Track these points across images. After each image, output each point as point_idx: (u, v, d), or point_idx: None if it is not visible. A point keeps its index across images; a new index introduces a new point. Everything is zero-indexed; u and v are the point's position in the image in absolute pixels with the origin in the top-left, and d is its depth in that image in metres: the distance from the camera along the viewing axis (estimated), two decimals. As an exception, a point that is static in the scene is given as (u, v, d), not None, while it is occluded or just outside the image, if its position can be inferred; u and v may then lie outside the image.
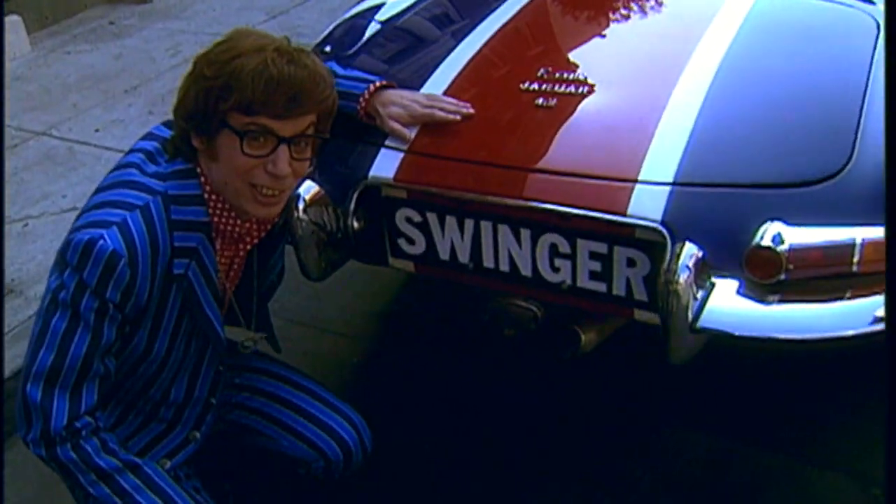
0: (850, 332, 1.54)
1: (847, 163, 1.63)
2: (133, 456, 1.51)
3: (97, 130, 4.10)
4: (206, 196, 1.49)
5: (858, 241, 1.55)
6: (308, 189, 1.84)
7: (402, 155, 1.84)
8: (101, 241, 1.36)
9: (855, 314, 1.56)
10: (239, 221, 1.54)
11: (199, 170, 1.49)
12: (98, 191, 1.48)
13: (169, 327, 1.53)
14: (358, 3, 2.64)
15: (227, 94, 1.37)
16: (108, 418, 1.59)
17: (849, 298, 1.57)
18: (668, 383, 2.42)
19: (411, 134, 1.86)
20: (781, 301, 1.58)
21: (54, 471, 1.48)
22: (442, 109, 1.86)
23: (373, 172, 1.85)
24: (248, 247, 1.65)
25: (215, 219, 1.51)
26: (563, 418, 2.37)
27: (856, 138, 1.67)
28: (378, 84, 1.87)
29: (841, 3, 2.13)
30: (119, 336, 1.44)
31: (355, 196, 1.86)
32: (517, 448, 2.29)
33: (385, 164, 1.85)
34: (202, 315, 1.55)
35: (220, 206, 1.51)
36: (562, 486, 2.18)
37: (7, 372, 2.59)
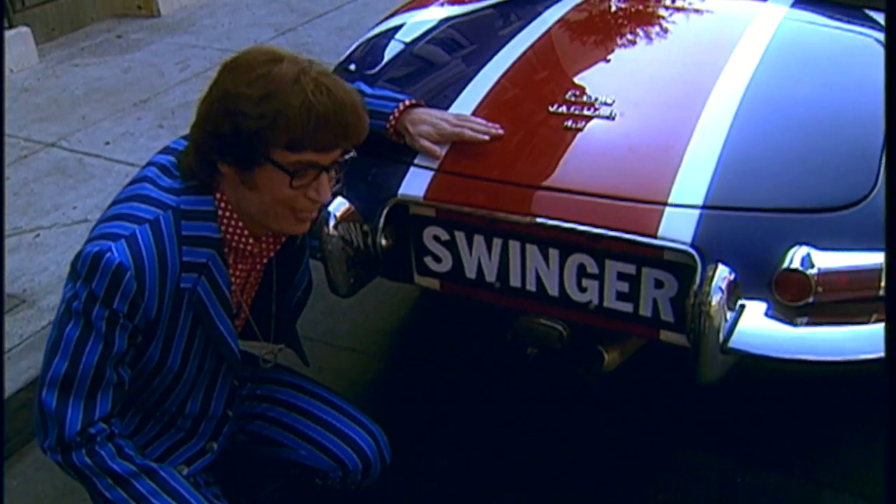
0: (876, 356, 1.57)
1: (873, 188, 1.67)
2: (150, 461, 1.52)
3: (107, 143, 4.11)
4: (219, 213, 1.50)
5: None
6: (338, 206, 1.86)
7: (431, 174, 1.87)
8: (109, 254, 1.38)
9: (880, 337, 1.58)
10: (252, 240, 1.56)
11: (215, 187, 1.50)
12: (112, 204, 1.50)
13: (182, 341, 1.54)
14: (377, 24, 2.67)
15: (270, 134, 1.38)
16: (126, 427, 1.61)
17: (875, 322, 1.60)
18: (682, 403, 2.44)
19: (441, 152, 1.88)
20: (809, 323, 1.61)
21: (72, 477, 1.49)
22: (471, 129, 1.89)
23: (402, 190, 1.87)
24: (265, 260, 1.66)
25: (227, 236, 1.52)
26: (577, 436, 2.39)
27: (881, 164, 1.71)
28: (408, 103, 1.90)
29: (864, 31, 2.17)
30: (131, 345, 1.46)
31: (384, 213, 1.88)
32: (531, 464, 2.30)
33: (415, 183, 1.87)
34: (215, 330, 1.56)
35: (233, 223, 1.52)
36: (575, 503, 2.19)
37: (20, 383, 2.59)
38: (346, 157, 1.51)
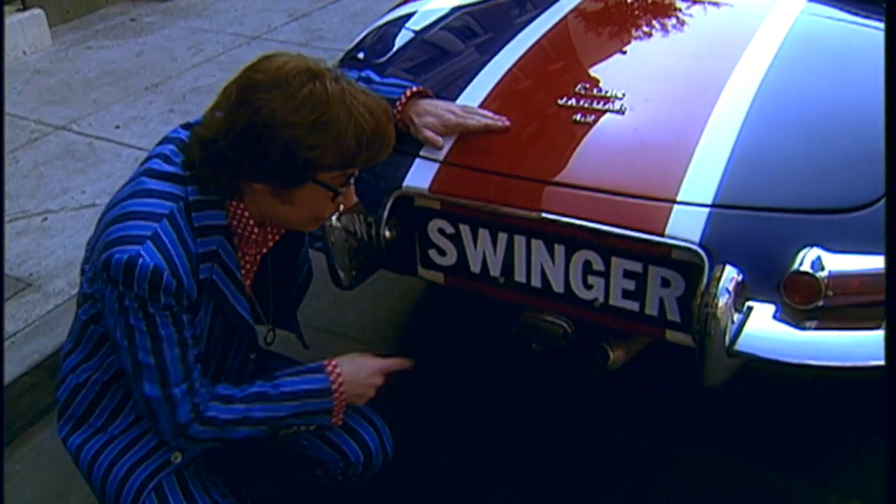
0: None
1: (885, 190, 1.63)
2: (249, 389, 1.56)
3: (117, 127, 4.10)
4: (225, 201, 1.50)
5: (897, 269, 1.54)
6: (341, 197, 1.84)
7: (437, 166, 1.84)
8: (141, 260, 1.38)
9: (891, 343, 1.55)
10: (257, 229, 1.55)
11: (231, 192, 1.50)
12: (120, 200, 1.48)
13: (205, 325, 1.55)
14: (388, 11, 2.64)
15: (326, 160, 1.40)
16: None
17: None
18: (687, 403, 2.41)
19: (444, 143, 1.86)
20: (819, 328, 1.57)
21: (204, 444, 1.58)
22: (476, 122, 1.87)
23: (407, 182, 1.85)
24: (270, 244, 1.65)
25: (234, 222, 1.52)
26: (581, 434, 2.36)
27: None
28: (413, 90, 1.87)
29: (881, 27, 2.12)
30: (191, 321, 1.48)
31: (388, 205, 1.86)
32: (533, 461, 2.28)
33: (420, 175, 1.85)
34: (232, 311, 1.56)
35: (239, 212, 1.52)
36: (578, 502, 2.17)
37: (24, 367, 2.59)
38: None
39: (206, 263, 1.47)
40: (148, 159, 1.54)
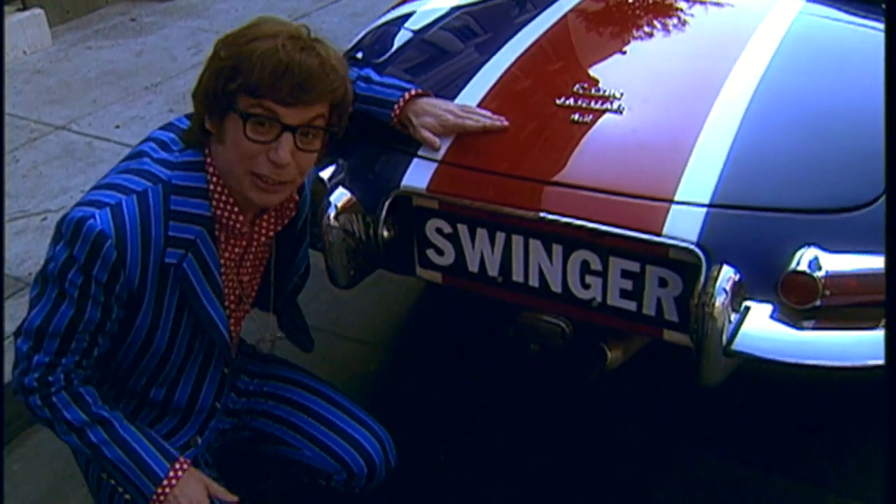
0: (882, 362, 1.53)
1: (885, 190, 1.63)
2: (105, 411, 1.53)
3: (117, 127, 4.11)
4: (210, 188, 1.50)
5: (895, 269, 1.54)
6: (340, 196, 1.84)
7: (435, 165, 1.84)
8: (91, 220, 1.39)
9: (889, 343, 1.55)
10: (241, 218, 1.54)
11: (208, 160, 1.50)
12: (106, 175, 1.52)
13: (168, 320, 1.54)
14: (387, 11, 2.64)
15: (234, 75, 1.39)
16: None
17: (883, 327, 1.56)
18: (685, 404, 2.41)
19: (442, 144, 1.86)
20: (816, 327, 1.57)
21: (39, 420, 1.55)
22: (475, 121, 1.86)
23: (405, 182, 1.85)
24: (263, 239, 1.64)
25: (218, 212, 1.52)
26: (580, 436, 2.37)
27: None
28: (413, 92, 1.87)
29: (882, 27, 2.12)
30: (106, 318, 1.47)
31: (386, 204, 1.86)
32: (533, 463, 2.28)
33: (418, 174, 1.84)
34: (202, 311, 1.55)
35: (223, 199, 1.51)
36: (577, 502, 2.17)
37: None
38: (325, 128, 1.49)
39: (177, 249, 1.47)
40: (145, 140, 1.55)
